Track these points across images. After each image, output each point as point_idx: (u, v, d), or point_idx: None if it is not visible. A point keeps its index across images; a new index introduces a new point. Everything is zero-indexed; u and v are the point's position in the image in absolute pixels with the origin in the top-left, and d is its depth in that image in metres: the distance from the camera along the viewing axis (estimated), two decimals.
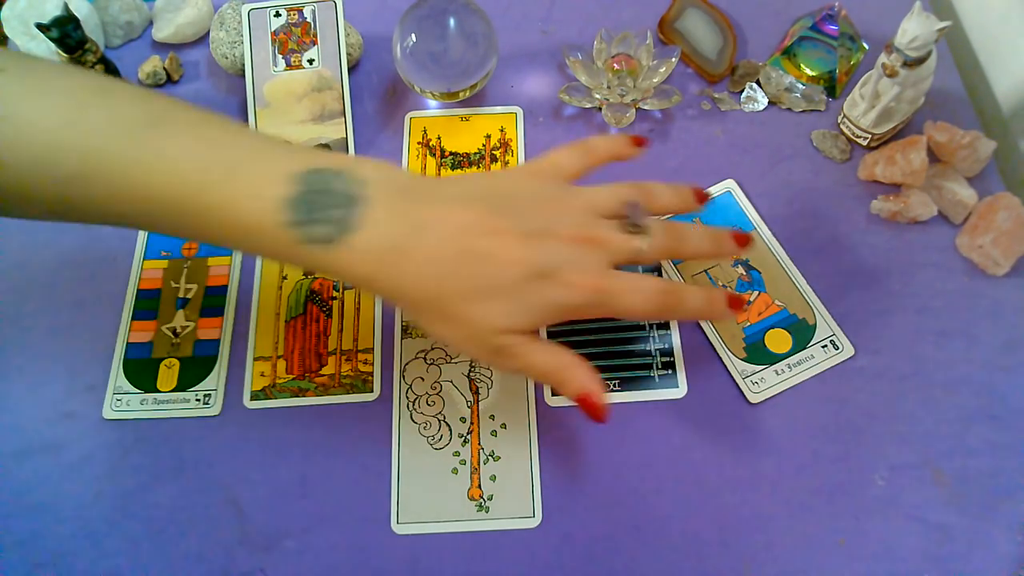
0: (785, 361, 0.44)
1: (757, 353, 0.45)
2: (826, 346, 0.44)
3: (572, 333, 0.46)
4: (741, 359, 0.45)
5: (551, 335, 0.46)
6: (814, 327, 0.45)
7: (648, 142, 0.42)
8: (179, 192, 0.32)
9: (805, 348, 0.44)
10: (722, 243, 0.39)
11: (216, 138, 0.34)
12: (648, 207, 0.37)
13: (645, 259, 0.37)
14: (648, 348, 0.45)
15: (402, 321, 0.47)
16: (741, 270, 0.47)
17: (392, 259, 0.33)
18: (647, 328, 0.46)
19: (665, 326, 0.46)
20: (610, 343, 0.46)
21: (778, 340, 0.45)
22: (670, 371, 0.45)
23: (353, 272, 0.33)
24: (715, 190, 0.50)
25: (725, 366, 0.45)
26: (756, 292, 0.46)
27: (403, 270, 0.33)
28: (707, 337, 0.46)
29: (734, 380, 0.44)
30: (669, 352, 0.45)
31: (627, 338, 0.46)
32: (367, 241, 0.32)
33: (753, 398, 0.44)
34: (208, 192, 0.32)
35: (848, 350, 0.44)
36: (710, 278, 0.47)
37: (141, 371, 0.47)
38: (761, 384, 0.44)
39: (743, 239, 0.40)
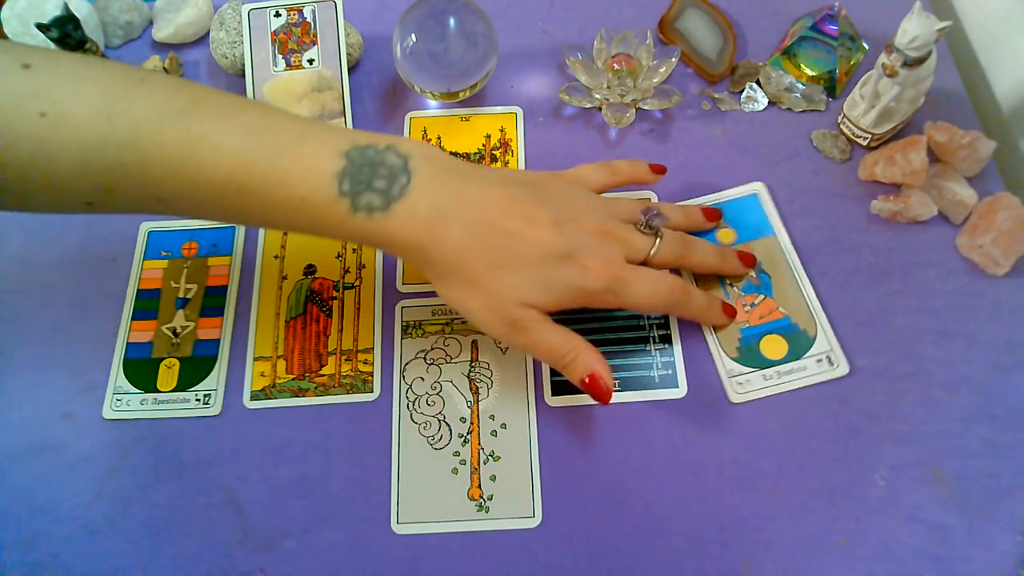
0: (775, 368, 0.44)
1: (749, 355, 0.45)
2: (821, 360, 0.44)
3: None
4: (731, 358, 0.45)
5: None
6: (813, 340, 0.45)
7: (665, 170, 0.47)
8: (227, 175, 0.33)
9: (799, 359, 0.44)
10: (727, 259, 0.45)
11: (257, 121, 0.35)
12: (671, 218, 0.43)
13: (657, 260, 0.41)
14: (648, 348, 0.45)
15: (402, 321, 0.47)
16: (751, 271, 0.47)
17: (436, 225, 0.35)
18: (647, 328, 0.46)
19: (665, 326, 0.46)
20: (610, 343, 0.46)
21: (773, 346, 0.45)
22: (670, 371, 0.45)
23: (402, 238, 0.35)
24: (742, 191, 0.50)
25: (713, 362, 0.45)
26: (762, 296, 0.46)
27: (445, 236, 0.35)
28: (703, 332, 0.46)
29: (719, 378, 0.44)
30: (669, 352, 0.45)
31: (627, 338, 0.46)
32: (413, 208, 0.35)
33: (735, 398, 0.44)
34: (259, 172, 0.34)
35: (843, 368, 0.44)
36: (719, 276, 0.47)
37: (141, 371, 0.47)
38: (745, 386, 0.44)
39: (748, 260, 0.45)
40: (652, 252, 0.41)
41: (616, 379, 0.45)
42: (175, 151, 0.33)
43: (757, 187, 0.50)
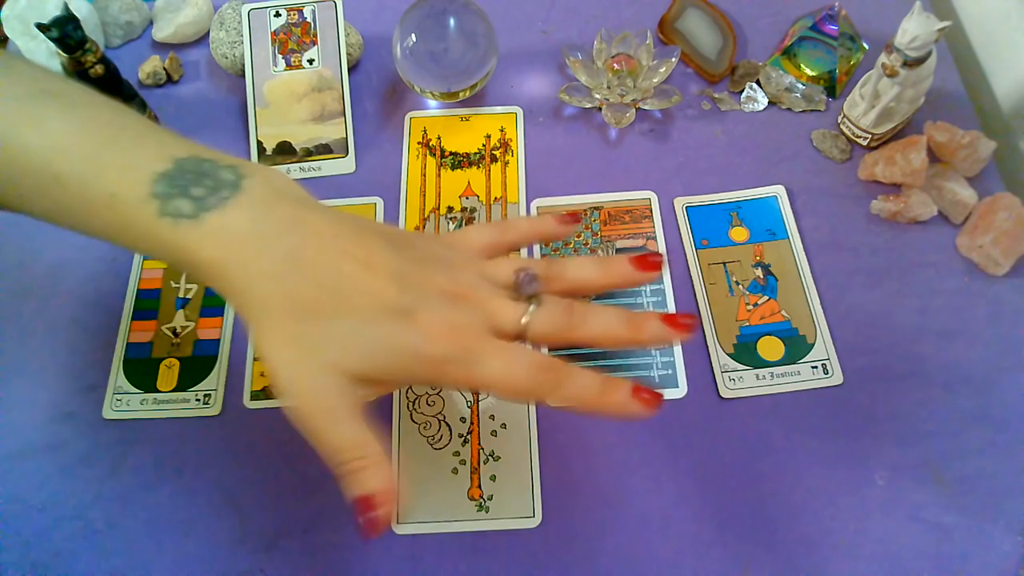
0: (770, 369, 0.44)
1: (745, 353, 0.45)
2: (816, 367, 0.44)
3: None
4: (727, 353, 0.45)
5: None
6: (811, 346, 0.45)
7: (578, 219, 0.38)
8: (49, 160, 0.31)
9: (795, 363, 0.44)
10: (642, 328, 0.32)
11: (103, 117, 0.32)
12: (559, 280, 0.33)
13: (531, 335, 0.32)
14: (648, 348, 0.45)
15: None
16: (759, 272, 0.47)
17: (248, 246, 0.30)
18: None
19: None
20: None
21: (770, 347, 0.45)
22: (670, 371, 0.45)
23: (204, 254, 0.30)
24: (762, 192, 0.50)
25: (708, 354, 0.45)
26: (766, 297, 0.46)
27: (257, 260, 0.29)
28: (702, 325, 0.46)
29: (712, 371, 0.44)
30: (669, 352, 0.45)
31: None
32: (225, 222, 0.29)
33: (725, 393, 0.44)
34: (78, 161, 0.31)
35: (837, 378, 0.44)
36: (726, 272, 0.47)
37: (141, 371, 0.47)
38: (737, 382, 0.44)
39: (680, 326, 0.32)
40: (523, 322, 0.31)
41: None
42: (8, 136, 0.31)
43: (778, 190, 0.50)
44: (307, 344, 0.30)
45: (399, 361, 0.30)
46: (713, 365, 0.45)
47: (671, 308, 0.46)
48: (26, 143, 0.31)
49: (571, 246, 0.49)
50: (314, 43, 0.54)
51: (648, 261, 0.34)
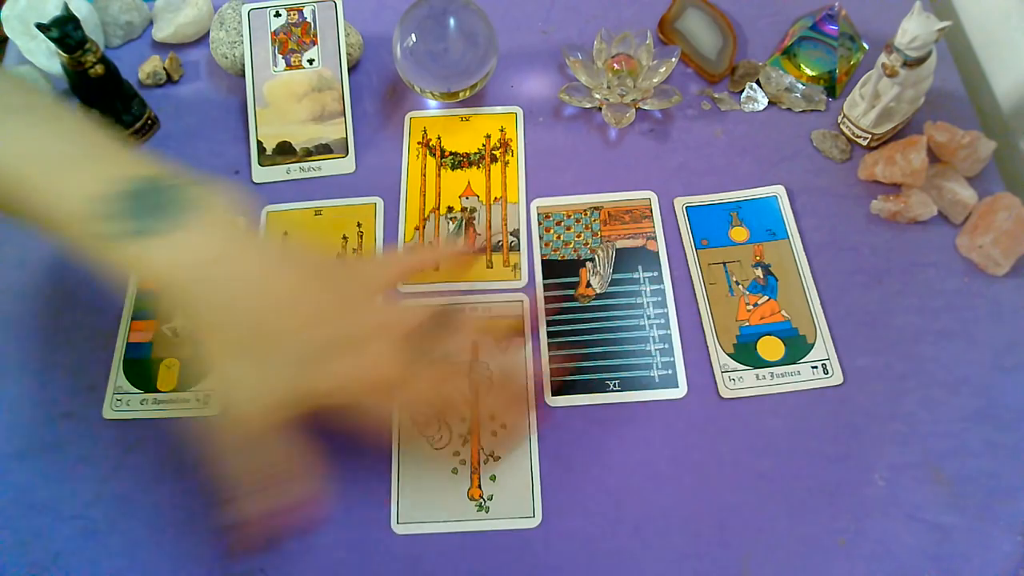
0: (770, 369, 0.44)
1: (744, 353, 0.45)
2: (816, 367, 0.44)
3: (572, 333, 0.46)
4: (727, 353, 0.45)
5: (551, 335, 0.46)
6: (811, 347, 0.45)
7: (475, 254, 0.46)
8: (7, 175, 0.33)
9: (795, 363, 0.44)
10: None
11: (73, 131, 0.34)
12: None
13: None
14: (648, 348, 0.45)
15: None
16: (759, 272, 0.47)
17: (204, 263, 0.32)
18: (647, 328, 0.46)
19: (665, 326, 0.46)
20: (610, 343, 0.46)
21: (770, 347, 0.45)
22: (670, 371, 0.45)
23: (155, 271, 0.32)
24: (762, 192, 0.50)
25: (708, 355, 0.45)
26: (766, 297, 0.46)
27: (211, 277, 0.32)
28: (702, 326, 0.46)
29: (712, 371, 0.44)
30: (669, 352, 0.45)
31: (627, 338, 0.46)
32: (183, 239, 0.32)
33: (725, 393, 0.44)
34: (33, 177, 0.33)
35: (837, 378, 0.44)
36: (726, 272, 0.47)
37: (141, 371, 0.47)
38: (737, 382, 0.44)
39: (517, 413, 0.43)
40: (432, 356, 0.36)
41: (616, 379, 0.45)
42: None
43: (778, 190, 0.50)
44: (240, 376, 0.32)
45: (332, 393, 0.33)
46: (713, 365, 0.45)
47: (671, 308, 0.46)
48: None
49: (571, 246, 0.49)
50: (314, 43, 0.54)
51: None
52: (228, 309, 0.32)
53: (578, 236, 0.49)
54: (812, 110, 0.53)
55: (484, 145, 0.54)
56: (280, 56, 0.54)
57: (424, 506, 0.42)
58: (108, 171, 0.33)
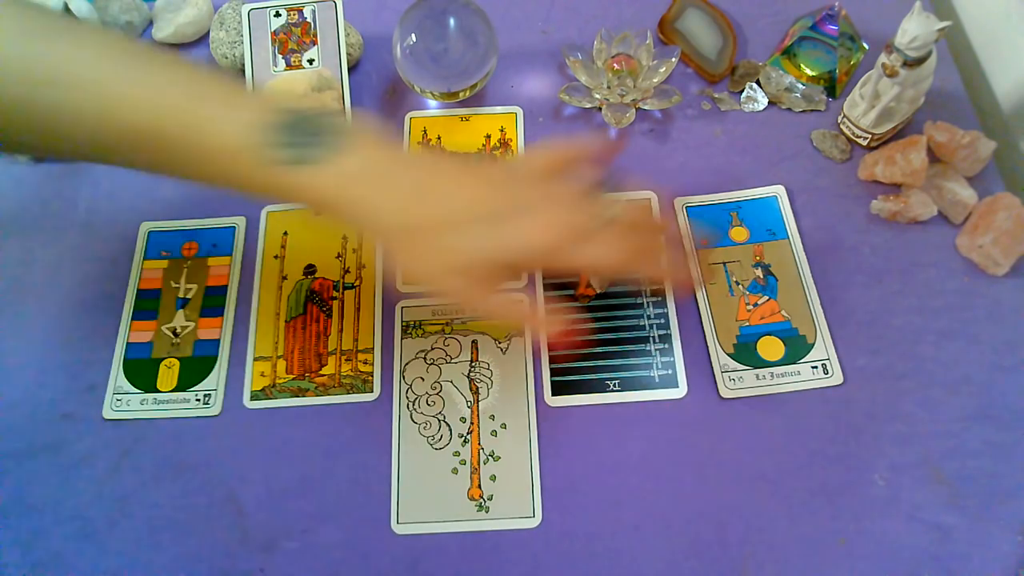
0: (770, 369, 0.44)
1: (744, 353, 0.45)
2: (816, 367, 0.44)
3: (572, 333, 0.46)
4: (727, 353, 0.45)
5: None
6: (811, 347, 0.45)
7: (621, 146, 0.48)
8: (154, 117, 0.33)
9: (794, 363, 0.44)
10: (678, 268, 0.46)
11: (201, 74, 0.35)
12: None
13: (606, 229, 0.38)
14: (648, 348, 0.45)
15: (402, 321, 0.47)
16: (759, 272, 0.47)
17: (370, 182, 0.35)
18: (647, 328, 0.46)
19: (666, 326, 0.46)
20: (610, 343, 0.46)
21: (770, 347, 0.45)
22: (670, 371, 0.45)
23: (328, 192, 0.34)
24: (762, 192, 0.50)
25: (708, 355, 0.45)
26: (766, 297, 0.46)
27: (379, 193, 0.35)
28: (702, 327, 0.46)
29: (712, 371, 0.44)
30: (669, 352, 0.45)
31: (627, 338, 0.46)
32: (344, 165, 0.34)
33: (725, 392, 0.44)
34: (184, 116, 0.34)
35: (837, 378, 0.44)
36: (726, 272, 0.47)
37: (141, 371, 0.47)
38: (737, 382, 0.44)
39: (687, 284, 0.47)
40: (606, 218, 0.38)
41: (616, 379, 0.45)
42: (107, 95, 0.33)
43: (778, 190, 0.50)
44: (440, 253, 0.36)
45: (517, 251, 0.36)
46: (713, 365, 0.45)
47: (671, 307, 0.46)
48: (122, 103, 0.33)
49: None
50: (314, 43, 0.54)
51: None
52: (402, 211, 0.35)
53: None
54: (812, 110, 0.53)
55: (484, 145, 0.54)
56: (280, 56, 0.54)
57: (424, 506, 0.42)
58: (261, 104, 0.35)
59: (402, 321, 0.47)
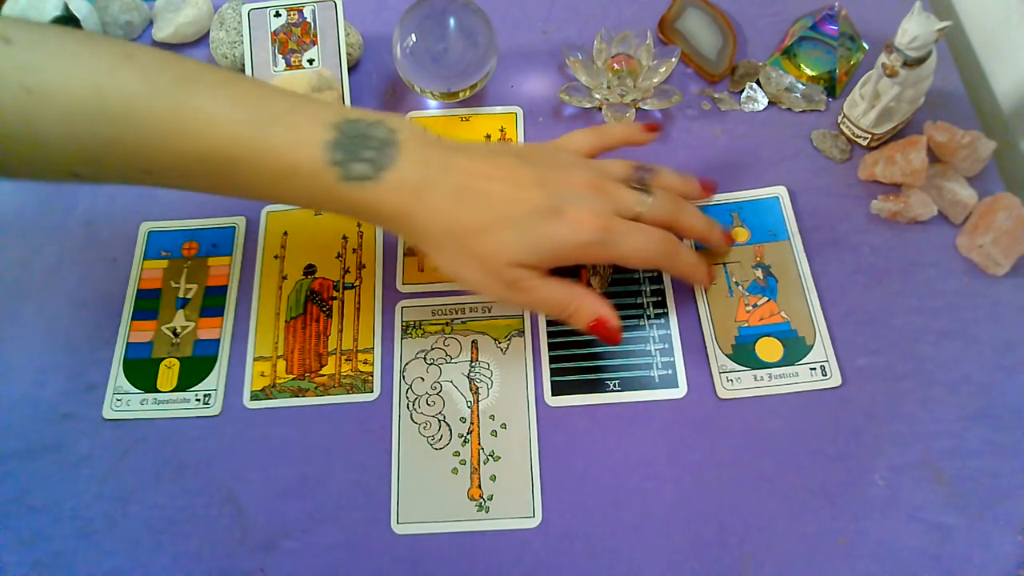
0: (768, 370, 0.44)
1: (743, 354, 0.45)
2: (815, 369, 0.44)
3: (573, 333, 0.46)
4: (725, 354, 0.45)
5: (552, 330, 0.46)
6: (810, 348, 0.45)
7: (661, 128, 0.46)
8: (218, 147, 0.34)
9: (793, 364, 0.44)
10: (714, 228, 0.45)
11: (250, 93, 0.36)
12: (654, 180, 0.42)
13: (648, 216, 0.40)
14: (648, 348, 0.45)
15: (402, 321, 0.47)
16: (759, 273, 0.47)
17: (423, 193, 0.36)
18: (647, 328, 0.46)
19: (666, 326, 0.46)
20: None
21: (769, 349, 0.45)
22: (670, 371, 0.45)
23: (390, 207, 0.36)
24: (763, 192, 0.50)
25: (707, 355, 0.45)
26: (766, 298, 0.46)
27: (429, 204, 0.36)
28: (700, 326, 0.46)
29: (710, 371, 0.44)
30: (669, 352, 0.45)
31: (627, 338, 0.46)
32: (400, 178, 0.36)
33: (723, 393, 0.44)
34: (250, 143, 0.34)
35: (835, 380, 0.44)
36: (726, 273, 0.47)
37: (141, 371, 0.47)
38: (735, 383, 0.44)
39: (730, 238, 0.47)
40: (644, 208, 0.40)
41: (616, 379, 0.45)
42: (167, 125, 0.33)
43: (779, 190, 0.50)
44: (486, 254, 0.37)
45: (560, 248, 0.37)
46: (711, 365, 0.45)
47: (671, 307, 0.46)
48: (186, 130, 0.34)
49: None
50: (314, 43, 0.54)
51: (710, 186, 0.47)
52: (447, 218, 0.37)
53: None
54: (812, 110, 0.53)
55: None
56: (280, 56, 0.54)
57: (424, 506, 0.42)
58: (321, 116, 0.36)
59: (402, 321, 0.47)
